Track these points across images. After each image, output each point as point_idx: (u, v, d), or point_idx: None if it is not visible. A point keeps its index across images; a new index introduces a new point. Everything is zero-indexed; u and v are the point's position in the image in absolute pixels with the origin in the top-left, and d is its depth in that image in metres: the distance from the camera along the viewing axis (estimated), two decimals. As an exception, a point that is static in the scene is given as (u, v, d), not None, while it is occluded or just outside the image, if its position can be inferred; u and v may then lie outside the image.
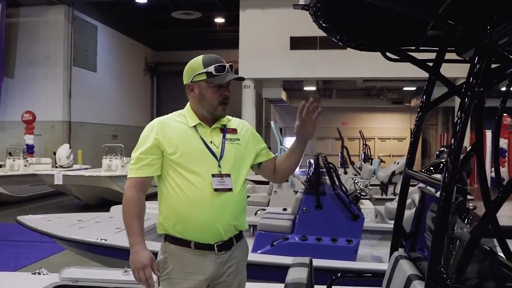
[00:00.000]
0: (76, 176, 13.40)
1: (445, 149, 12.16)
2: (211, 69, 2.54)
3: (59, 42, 19.83)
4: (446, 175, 1.99)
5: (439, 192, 2.16)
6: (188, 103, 2.69)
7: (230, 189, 2.51)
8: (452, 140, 2.04)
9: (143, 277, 2.43)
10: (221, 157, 2.55)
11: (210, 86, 2.55)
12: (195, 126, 2.59)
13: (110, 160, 14.37)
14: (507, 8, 2.02)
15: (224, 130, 2.65)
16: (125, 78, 24.91)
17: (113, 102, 23.48)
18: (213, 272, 2.52)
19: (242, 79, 2.63)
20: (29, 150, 16.99)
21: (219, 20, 23.85)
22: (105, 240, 5.35)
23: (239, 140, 2.66)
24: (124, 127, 24.20)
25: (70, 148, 16.45)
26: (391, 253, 2.88)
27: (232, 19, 21.15)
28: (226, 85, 2.57)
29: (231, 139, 2.63)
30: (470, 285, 1.98)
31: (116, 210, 7.63)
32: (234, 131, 2.68)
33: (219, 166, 2.52)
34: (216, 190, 2.47)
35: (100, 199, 13.64)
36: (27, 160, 15.42)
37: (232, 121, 2.74)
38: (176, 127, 2.59)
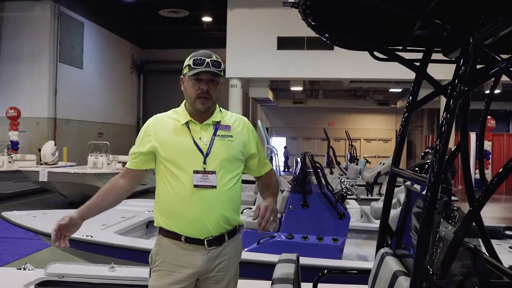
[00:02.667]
0: (61, 173, 13.34)
1: (430, 150, 12.27)
2: (190, 61, 2.56)
3: (45, 38, 19.69)
4: (432, 174, 2.02)
5: (424, 190, 2.20)
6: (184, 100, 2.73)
7: (214, 187, 2.52)
8: (438, 140, 2.07)
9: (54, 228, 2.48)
10: (207, 154, 2.55)
11: (191, 79, 2.56)
12: (186, 123, 2.61)
13: (95, 158, 14.32)
14: (493, 9, 2.06)
15: (216, 126, 2.64)
16: (112, 75, 24.81)
17: (99, 100, 23.36)
18: (202, 266, 2.54)
19: (216, 73, 2.57)
20: (14, 146, 16.85)
21: (207, 18, 23.84)
22: (91, 236, 5.33)
23: (231, 137, 2.64)
24: (110, 125, 24.10)
25: (55, 145, 16.34)
26: (377, 250, 2.92)
27: (220, 18, 21.15)
28: (205, 79, 2.55)
29: (222, 135, 2.62)
30: (455, 280, 2.02)
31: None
32: (227, 127, 2.66)
33: (205, 162, 2.53)
34: (196, 186, 2.50)
35: (85, 197, 13.22)
36: (12, 157, 15.29)
37: (228, 118, 2.72)
38: (168, 124, 2.63)
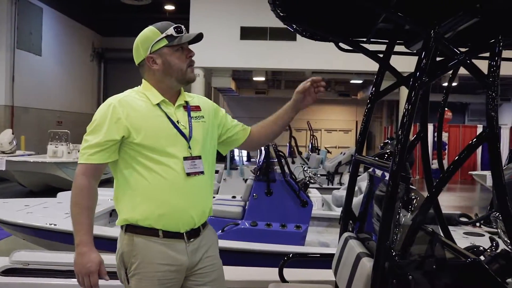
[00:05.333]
0: (20, 162, 13.07)
1: (389, 141, 12.56)
2: (171, 31, 2.38)
3: (1, 24, 19.06)
4: (394, 162, 2.12)
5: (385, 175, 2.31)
6: (143, 81, 2.46)
7: (202, 172, 2.36)
8: (400, 129, 2.17)
9: (88, 284, 2.20)
10: (190, 137, 2.37)
11: (174, 50, 2.39)
12: (158, 104, 2.38)
13: (55, 147, 14.06)
14: (452, 4, 2.17)
15: (187, 107, 2.46)
16: (72, 63, 24.30)
17: (59, 88, 22.85)
18: (186, 261, 2.35)
19: (201, 36, 2.46)
20: (-31, 135, 16.38)
21: (169, 7, 23.57)
22: (55, 224, 5.30)
23: (203, 117, 2.49)
24: (69, 113, 23.63)
25: (13, 133, 15.97)
26: (340, 235, 3.03)
27: (183, 6, 20.94)
28: (187, 46, 2.43)
29: (196, 117, 2.46)
30: (415, 260, 2.14)
31: (64, 196, 7.54)
32: (197, 108, 2.50)
33: (189, 147, 2.35)
34: (188, 174, 2.31)
35: (45, 186, 13.37)
36: (-33, 145, 14.88)
37: (192, 98, 2.56)
38: (138, 105, 2.34)
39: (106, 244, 4.82)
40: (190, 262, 2.36)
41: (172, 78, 2.41)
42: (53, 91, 22.28)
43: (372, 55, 2.91)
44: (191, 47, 2.50)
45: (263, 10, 2.68)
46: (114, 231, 5.06)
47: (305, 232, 5.66)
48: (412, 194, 2.44)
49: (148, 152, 2.29)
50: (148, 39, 2.40)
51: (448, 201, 14.06)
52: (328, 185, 12.16)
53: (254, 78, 24.77)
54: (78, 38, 24.85)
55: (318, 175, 8.17)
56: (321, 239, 6.57)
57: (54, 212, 5.99)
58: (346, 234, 2.91)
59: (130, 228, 2.33)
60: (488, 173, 12.62)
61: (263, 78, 25.20)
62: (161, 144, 2.30)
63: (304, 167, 7.74)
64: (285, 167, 6.11)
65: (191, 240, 2.37)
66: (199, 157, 2.37)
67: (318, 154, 15.50)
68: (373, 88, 2.98)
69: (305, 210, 5.73)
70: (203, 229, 2.46)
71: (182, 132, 2.36)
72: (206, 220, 2.51)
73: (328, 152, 18.02)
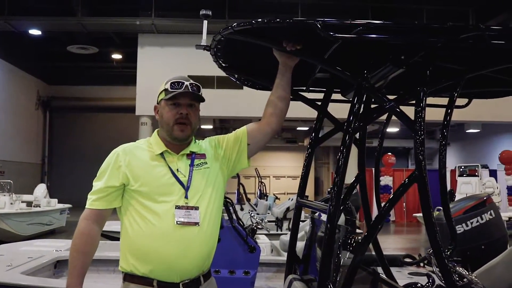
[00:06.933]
0: (-42, 214, 12.56)
1: (335, 186, 12.81)
2: (167, 85, 2.42)
3: None
4: (331, 204, 2.22)
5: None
6: (156, 129, 2.56)
7: (197, 223, 2.31)
8: (335, 172, 2.29)
9: None
10: (188, 187, 2.35)
11: (168, 103, 2.41)
12: (161, 154, 2.42)
13: (-3, 197, 13.62)
14: (381, 57, 2.35)
15: (192, 156, 2.46)
16: (15, 111, 23.76)
17: (1, 136, 22.25)
18: None
19: (196, 97, 2.45)
20: None
21: (116, 56, 23.62)
22: (-4, 278, 5.13)
23: (206, 163, 2.47)
24: (12, 163, 22.96)
25: (-49, 184, 15.38)
26: (285, 277, 3.09)
27: (130, 55, 21.06)
28: (184, 103, 2.41)
29: (198, 164, 2.45)
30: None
31: (5, 248, 7.30)
32: (202, 156, 2.49)
33: (186, 197, 2.34)
34: (178, 223, 2.28)
35: (-14, 239, 12.86)
36: None
37: (202, 146, 2.56)
38: (141, 154, 2.42)
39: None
40: None
41: (163, 130, 2.47)
42: (-5, 140, 21.67)
43: (311, 103, 3.06)
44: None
45: (210, 59, 2.79)
46: (59, 283, 4.93)
47: (254, 278, 5.66)
48: (352, 235, 2.54)
49: (143, 199, 2.32)
50: (160, 89, 2.50)
51: (395, 243, 14.38)
52: (277, 230, 12.20)
53: (202, 126, 24.89)
54: (22, 86, 24.41)
55: (266, 220, 8.23)
56: (270, 285, 6.58)
57: (-6, 265, 5.78)
58: (290, 276, 2.98)
59: (127, 277, 2.36)
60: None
61: (211, 126, 25.35)
62: (155, 192, 2.33)
63: (251, 213, 7.79)
64: (233, 213, 6.14)
65: None
66: (196, 208, 2.34)
67: (266, 200, 15.60)
68: (313, 134, 3.12)
69: (253, 256, 5.74)
70: (204, 281, 2.44)
71: (180, 181, 2.36)
72: (209, 272, 2.51)
73: (277, 198, 18.15)
